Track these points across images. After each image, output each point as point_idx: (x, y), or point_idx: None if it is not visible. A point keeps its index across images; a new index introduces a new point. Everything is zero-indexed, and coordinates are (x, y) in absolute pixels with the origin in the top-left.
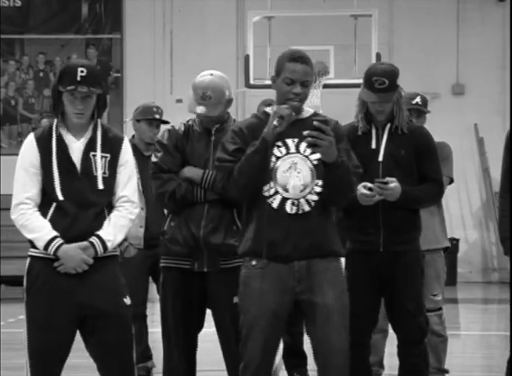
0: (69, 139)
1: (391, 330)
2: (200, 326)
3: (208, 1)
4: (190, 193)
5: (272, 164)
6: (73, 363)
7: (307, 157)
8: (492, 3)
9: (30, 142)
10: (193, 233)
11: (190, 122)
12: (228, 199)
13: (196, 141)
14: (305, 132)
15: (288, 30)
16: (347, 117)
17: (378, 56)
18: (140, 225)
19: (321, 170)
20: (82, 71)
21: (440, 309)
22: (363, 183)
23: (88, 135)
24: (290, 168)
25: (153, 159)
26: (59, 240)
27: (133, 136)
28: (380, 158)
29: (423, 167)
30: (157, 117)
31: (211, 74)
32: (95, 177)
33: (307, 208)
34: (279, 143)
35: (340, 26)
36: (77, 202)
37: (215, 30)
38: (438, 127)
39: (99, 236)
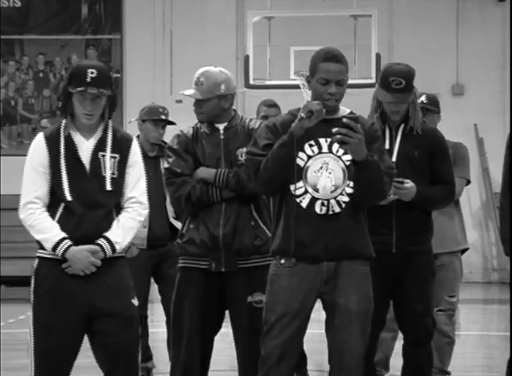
0: (78, 139)
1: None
2: (218, 328)
3: (208, 2)
4: (205, 194)
5: (303, 163)
6: (76, 363)
7: (339, 157)
8: (492, 3)
9: (39, 142)
10: (212, 233)
11: (198, 125)
12: (245, 195)
13: (206, 142)
14: (334, 129)
15: (288, 30)
16: None
17: (378, 56)
18: (144, 225)
19: (353, 171)
20: (92, 72)
21: (452, 309)
22: None
23: (98, 135)
24: (321, 167)
25: (165, 165)
26: (67, 242)
27: (138, 137)
28: (394, 158)
29: (436, 168)
30: (163, 117)
31: (215, 67)
32: (104, 177)
33: (337, 209)
34: (312, 142)
35: (339, 26)
36: (85, 202)
37: (215, 31)
38: (438, 127)
39: (107, 239)
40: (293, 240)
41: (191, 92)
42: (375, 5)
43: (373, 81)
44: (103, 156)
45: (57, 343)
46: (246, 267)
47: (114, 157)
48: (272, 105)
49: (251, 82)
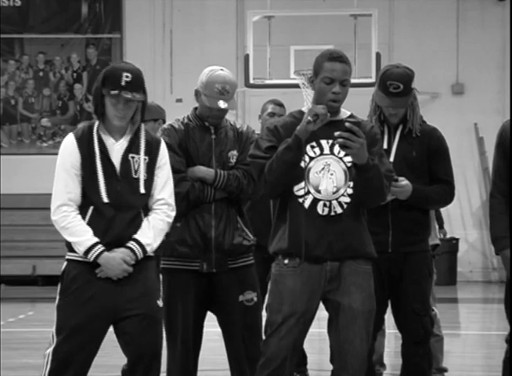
0: (109, 141)
1: (387, 329)
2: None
3: (208, 1)
4: (202, 194)
5: (305, 164)
6: None
7: (341, 158)
8: (492, 3)
9: (70, 143)
10: (205, 234)
11: (186, 120)
12: (240, 198)
13: (198, 140)
14: (336, 133)
15: (288, 29)
16: None
17: (378, 55)
18: None
19: (354, 172)
20: (127, 76)
21: (431, 309)
22: None
23: (128, 137)
24: (323, 169)
25: None
26: (100, 248)
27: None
28: (392, 159)
29: (435, 168)
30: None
31: (222, 69)
32: (136, 179)
33: (339, 210)
34: (314, 144)
35: (339, 25)
36: (116, 204)
37: (215, 30)
38: (438, 126)
39: (138, 242)
40: (299, 240)
41: (224, 103)
42: (375, 5)
43: (372, 80)
44: (133, 158)
45: (80, 346)
46: (234, 267)
47: (144, 159)
48: (280, 104)
49: (251, 81)
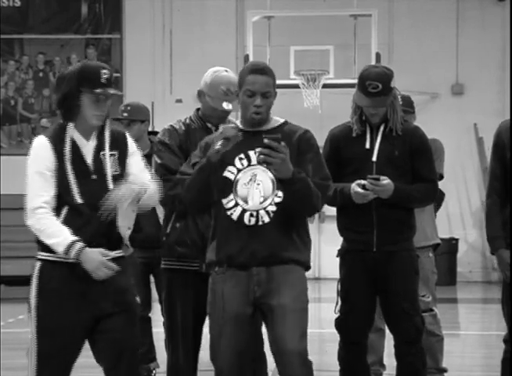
0: (80, 140)
1: (387, 329)
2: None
3: (208, 1)
4: None
5: (233, 177)
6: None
7: (268, 168)
8: (492, 3)
9: (43, 145)
10: (203, 234)
11: (188, 121)
12: None
13: (199, 141)
14: (257, 149)
15: (288, 29)
16: (346, 116)
17: (378, 55)
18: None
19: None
20: (105, 73)
21: (431, 309)
22: (357, 181)
23: (96, 134)
24: (250, 180)
25: (158, 160)
26: (79, 245)
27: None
28: (374, 158)
29: (417, 167)
30: (125, 115)
31: (226, 71)
32: (107, 176)
33: (266, 219)
34: (242, 156)
35: (339, 25)
36: (92, 203)
37: (215, 30)
38: (438, 126)
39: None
40: (224, 253)
41: (229, 105)
42: (375, 5)
43: None
44: (104, 155)
45: (61, 345)
46: None
47: (113, 155)
48: None
49: None
